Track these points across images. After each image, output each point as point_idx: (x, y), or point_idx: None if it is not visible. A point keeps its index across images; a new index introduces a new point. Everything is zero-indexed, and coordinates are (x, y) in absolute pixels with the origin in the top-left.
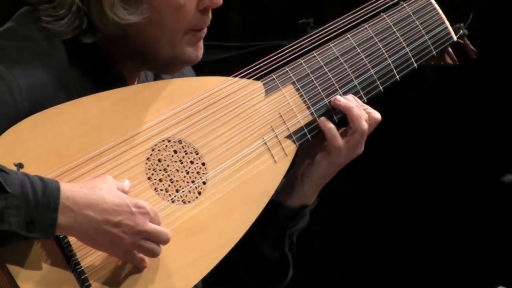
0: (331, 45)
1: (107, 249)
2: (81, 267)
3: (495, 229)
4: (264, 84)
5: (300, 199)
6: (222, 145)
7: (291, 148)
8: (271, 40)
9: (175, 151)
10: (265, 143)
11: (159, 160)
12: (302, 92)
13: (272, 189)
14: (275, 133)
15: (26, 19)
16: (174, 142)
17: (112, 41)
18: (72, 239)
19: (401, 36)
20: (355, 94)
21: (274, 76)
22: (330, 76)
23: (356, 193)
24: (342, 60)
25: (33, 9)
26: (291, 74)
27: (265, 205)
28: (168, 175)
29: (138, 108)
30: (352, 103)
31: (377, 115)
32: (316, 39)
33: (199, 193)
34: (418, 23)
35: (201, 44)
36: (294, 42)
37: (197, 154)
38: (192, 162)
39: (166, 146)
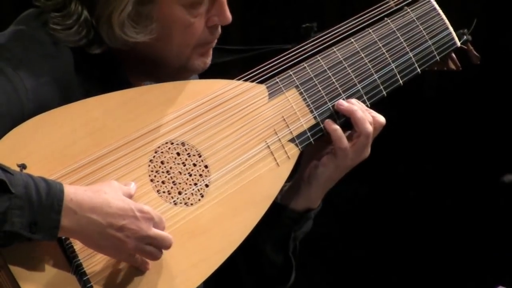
0: (334, 49)
1: (110, 253)
2: (83, 268)
3: (495, 229)
4: (267, 88)
5: (305, 202)
6: (225, 148)
7: (294, 151)
8: (275, 44)
9: (178, 154)
10: (268, 146)
11: (162, 162)
12: (306, 96)
13: (274, 192)
14: (278, 136)
15: (34, 22)
16: (177, 144)
17: (119, 52)
18: (74, 241)
19: (404, 41)
20: (358, 98)
21: (277, 80)
22: (334, 80)
23: (356, 194)
24: (345, 65)
25: (41, 11)
26: (294, 78)
27: (267, 208)
28: (171, 177)
29: (141, 110)
30: (355, 106)
31: (381, 118)
32: (319, 43)
33: (202, 195)
34: (422, 29)
35: (210, 52)
36: (298, 46)
37: (200, 156)
38: (195, 165)
39: (169, 148)
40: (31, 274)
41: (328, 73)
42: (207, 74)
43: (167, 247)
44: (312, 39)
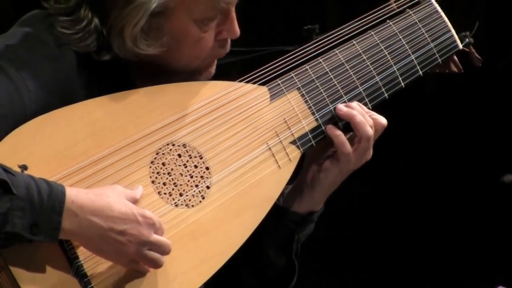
0: (336, 52)
1: (111, 257)
2: (83, 270)
3: (495, 229)
4: (269, 89)
5: (308, 205)
6: (227, 150)
7: (295, 153)
8: (276, 46)
9: (180, 155)
10: (270, 148)
11: (163, 164)
12: (307, 98)
13: (275, 195)
14: (279, 138)
15: (40, 24)
16: (179, 146)
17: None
18: (75, 242)
19: (406, 43)
20: (360, 100)
21: (279, 82)
22: (335, 82)
23: (356, 194)
24: (347, 67)
25: (47, 13)
26: (296, 80)
27: (268, 210)
28: (172, 179)
29: (143, 111)
30: (354, 110)
31: (382, 120)
32: (321, 45)
33: (203, 197)
34: (424, 31)
35: (215, 61)
36: (300, 48)
37: (201, 158)
38: (196, 166)
39: (171, 150)
40: (31, 275)
41: (329, 75)
42: None
43: (167, 253)
44: (314, 41)
